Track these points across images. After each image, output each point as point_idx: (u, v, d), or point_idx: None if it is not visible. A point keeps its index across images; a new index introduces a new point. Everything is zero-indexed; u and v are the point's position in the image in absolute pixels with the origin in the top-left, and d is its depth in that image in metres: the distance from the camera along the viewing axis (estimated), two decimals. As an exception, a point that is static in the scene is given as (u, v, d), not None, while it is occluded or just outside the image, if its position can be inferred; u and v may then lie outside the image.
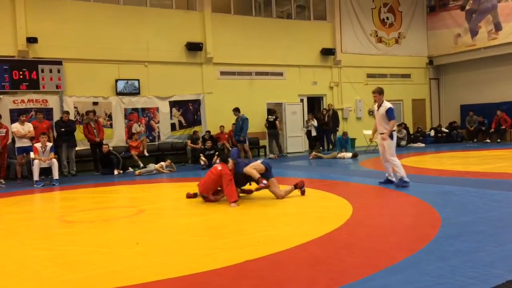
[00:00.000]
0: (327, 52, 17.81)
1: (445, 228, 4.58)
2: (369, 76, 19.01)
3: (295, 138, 16.97)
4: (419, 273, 3.33)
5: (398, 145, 17.62)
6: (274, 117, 15.13)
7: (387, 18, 19.61)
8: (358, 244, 4.19)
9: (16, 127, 11.06)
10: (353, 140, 16.79)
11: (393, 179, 7.76)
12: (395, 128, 7.68)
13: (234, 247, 4.27)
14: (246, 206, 6.82)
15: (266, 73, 16.81)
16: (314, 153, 14.47)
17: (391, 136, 7.57)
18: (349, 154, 13.93)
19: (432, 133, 19.28)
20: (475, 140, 18.22)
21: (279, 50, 16.78)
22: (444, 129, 19.28)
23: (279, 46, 16.78)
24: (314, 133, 16.32)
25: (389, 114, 7.48)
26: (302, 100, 17.71)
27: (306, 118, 16.83)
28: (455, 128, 19.15)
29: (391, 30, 19.71)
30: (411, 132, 19.20)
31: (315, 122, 16.28)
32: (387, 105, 7.60)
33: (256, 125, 15.69)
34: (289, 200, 7.09)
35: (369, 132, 16.76)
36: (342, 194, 6.92)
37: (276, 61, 16.81)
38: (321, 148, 16.62)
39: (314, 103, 18.42)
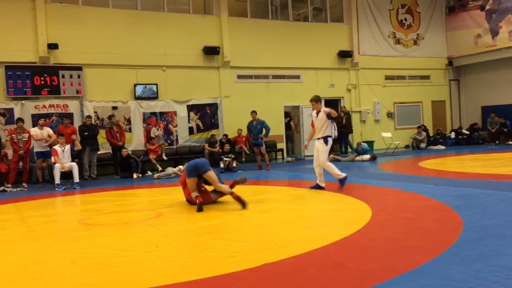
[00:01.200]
0: (344, 55, 17.72)
1: (467, 232, 4.50)
2: (388, 78, 18.85)
3: (312, 141, 16.84)
4: (441, 277, 3.28)
5: (418, 147, 17.62)
6: (287, 118, 15.24)
7: (405, 19, 19.43)
8: (378, 248, 4.15)
9: (34, 131, 11.27)
10: (371, 142, 16.68)
11: (323, 184, 8.01)
12: (331, 134, 8.07)
13: (253, 250, 4.27)
14: (262, 210, 6.82)
15: (283, 76, 16.81)
16: (331, 156, 14.38)
17: (326, 142, 7.94)
18: (367, 157, 13.81)
19: (453, 135, 19.01)
20: (497, 142, 17.88)
21: (296, 53, 16.77)
22: (465, 131, 18.98)
23: (296, 49, 16.76)
24: (335, 135, 16.21)
25: (328, 116, 7.90)
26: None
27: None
28: (476, 130, 18.82)
29: (409, 31, 19.52)
30: (431, 134, 18.95)
31: (333, 125, 16.19)
32: (325, 110, 7.97)
33: (273, 128, 15.66)
34: (307, 203, 7.08)
35: (388, 134, 16.65)
36: (361, 197, 6.86)
37: (293, 64, 16.80)
38: (338, 151, 16.51)
39: (331, 106, 18.30)
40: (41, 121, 11.40)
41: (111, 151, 13.10)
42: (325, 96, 17.70)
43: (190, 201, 6.88)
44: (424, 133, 18.05)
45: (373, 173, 10.86)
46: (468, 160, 12.92)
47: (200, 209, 6.41)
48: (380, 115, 18.64)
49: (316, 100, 8.09)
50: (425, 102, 19.82)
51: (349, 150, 16.58)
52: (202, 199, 6.65)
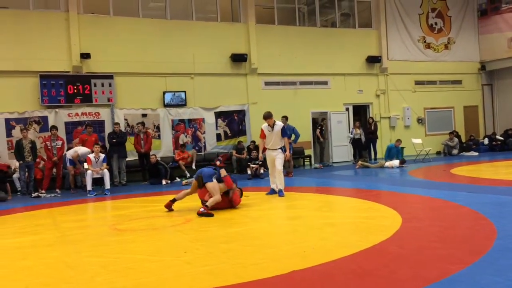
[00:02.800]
0: (373, 60, 17.53)
1: (501, 240, 4.36)
2: (418, 83, 18.53)
3: (340, 148, 16.77)
4: (474, 286, 3.19)
5: (450, 154, 17.22)
6: (320, 127, 15.31)
7: (436, 23, 19.08)
8: (409, 256, 4.07)
9: (70, 154, 11.48)
10: (402, 149, 16.37)
11: (277, 189, 8.60)
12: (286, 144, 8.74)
13: (281, 257, 4.25)
14: (290, 217, 6.81)
15: (311, 82, 16.75)
16: (360, 162, 14.22)
17: (284, 151, 8.66)
18: (397, 163, 13.57)
19: (486, 141, 18.48)
20: (532, 148, 17.30)
21: (324, 59, 16.70)
22: (499, 137, 18.43)
23: (323, 55, 16.70)
24: (363, 141, 16.04)
25: (283, 132, 8.66)
26: (347, 109, 17.49)
27: (352, 126, 16.61)
28: (510, 135, 18.25)
29: (440, 35, 19.16)
30: (463, 140, 18.49)
31: (361, 131, 16.03)
32: (280, 124, 8.78)
33: (301, 134, 15.62)
34: (335, 210, 7.01)
35: (418, 141, 16.35)
36: (391, 205, 6.74)
37: (320, 70, 16.73)
38: (366, 157, 16.30)
39: (360, 112, 18.15)
40: (96, 148, 11.20)
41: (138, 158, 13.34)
42: (353, 102, 17.62)
43: (204, 202, 6.95)
44: (456, 139, 17.63)
45: (403, 180, 10.66)
46: (502, 167, 12.53)
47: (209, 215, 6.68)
48: (410, 121, 18.32)
49: (268, 116, 8.65)
50: (457, 108, 19.36)
51: (379, 157, 16.35)
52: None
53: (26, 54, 12.86)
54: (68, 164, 11.37)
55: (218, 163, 7.41)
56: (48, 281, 3.90)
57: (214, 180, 7.11)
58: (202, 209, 6.72)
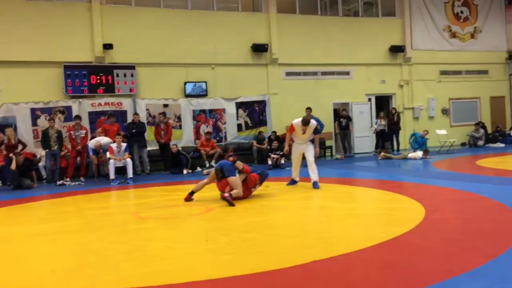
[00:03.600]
0: (397, 49, 17.22)
1: (529, 234, 4.26)
2: (443, 73, 18.14)
3: (362, 139, 16.58)
4: (500, 280, 3.13)
5: (475, 145, 16.88)
6: (343, 119, 15.19)
7: (462, 12, 18.59)
8: (432, 248, 4.01)
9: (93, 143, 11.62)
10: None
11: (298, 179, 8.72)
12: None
13: (302, 247, 4.24)
14: (311, 207, 6.79)
15: (332, 73, 16.58)
16: (383, 153, 14.05)
17: (313, 143, 8.70)
18: (420, 154, 13.36)
19: (513, 132, 18.03)
20: (561, 139, 16.80)
21: (346, 49, 16.49)
22: (526, 128, 17.96)
23: (345, 44, 16.49)
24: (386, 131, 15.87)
25: (316, 131, 8.70)
26: (370, 100, 17.27)
27: (376, 117, 16.41)
28: (538, 127, 17.77)
29: (466, 24, 18.67)
30: (489, 131, 18.07)
31: (384, 121, 15.83)
32: (314, 123, 8.58)
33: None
34: (356, 201, 6.96)
35: (443, 132, 16.07)
36: (414, 196, 6.64)
37: (342, 60, 16.53)
38: (389, 148, 16.09)
39: (382, 102, 17.90)
40: (118, 138, 11.27)
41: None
42: (376, 92, 17.39)
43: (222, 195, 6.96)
44: (482, 130, 17.24)
45: (427, 172, 10.50)
46: (530, 159, 12.21)
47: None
48: (434, 111, 17.98)
49: (307, 123, 8.41)
50: (483, 98, 18.89)
51: (401, 148, 16.13)
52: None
53: (50, 45, 13.06)
54: (91, 153, 11.55)
55: (231, 159, 7.33)
56: (73, 266, 3.99)
57: (237, 175, 7.13)
58: (227, 194, 6.75)
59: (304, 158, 8.53)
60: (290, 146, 8.83)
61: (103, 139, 11.61)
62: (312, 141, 8.62)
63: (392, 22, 17.51)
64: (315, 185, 8.15)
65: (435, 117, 18.00)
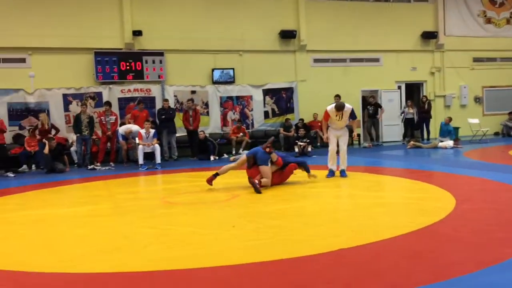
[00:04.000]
0: (429, 36, 16.77)
1: None
2: (476, 60, 17.57)
3: (391, 127, 16.32)
4: (535, 273, 3.04)
5: (509, 134, 16.37)
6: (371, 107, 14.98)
7: (498, -3, 17.93)
8: (462, 239, 3.93)
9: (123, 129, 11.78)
10: (457, 129, 15.74)
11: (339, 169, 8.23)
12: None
13: (329, 235, 4.23)
14: (338, 195, 6.74)
15: (361, 59, 16.31)
16: (412, 142, 13.79)
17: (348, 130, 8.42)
18: (451, 143, 13.05)
19: (549, 121, 17.38)
20: None
21: (376, 35, 16.16)
22: None
23: (375, 30, 16.16)
24: (416, 120, 15.50)
25: (352, 115, 8.13)
26: (399, 87, 16.93)
27: (404, 105, 16.08)
28: None
29: (501, 9, 17.97)
30: (524, 121, 17.48)
31: (413, 110, 15.50)
32: (349, 107, 8.10)
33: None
34: (384, 190, 6.88)
35: (475, 120, 15.65)
36: (444, 186, 6.51)
37: (372, 46, 16.22)
38: (419, 137, 15.78)
39: (413, 90, 17.52)
40: (146, 124, 11.40)
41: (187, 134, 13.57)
42: (406, 79, 17.03)
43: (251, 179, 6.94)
44: (517, 119, 16.72)
45: (458, 161, 10.26)
46: None
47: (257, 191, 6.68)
48: (466, 100, 17.49)
49: (341, 108, 8.04)
50: (519, 86, 18.26)
51: (431, 137, 15.79)
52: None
53: (81, 31, 13.29)
54: (120, 139, 11.76)
55: (267, 149, 7.27)
56: (104, 248, 4.09)
57: (269, 165, 7.12)
58: (256, 181, 6.77)
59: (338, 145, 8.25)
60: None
61: (133, 127, 11.79)
62: (348, 126, 8.35)
63: (424, 7, 17.03)
64: (343, 173, 8.04)
65: (467, 105, 17.52)
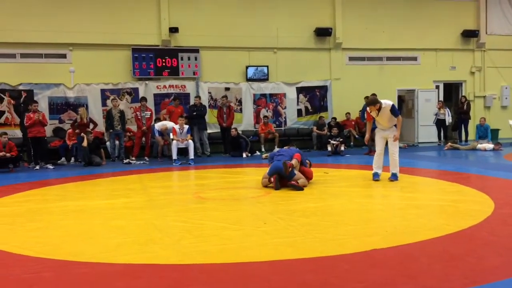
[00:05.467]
0: (469, 34, 16.29)
1: None
2: (519, 59, 16.97)
3: (427, 128, 15.94)
4: None
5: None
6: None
7: (544, -6, 17.19)
8: (501, 243, 3.81)
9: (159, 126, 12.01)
10: (497, 131, 15.25)
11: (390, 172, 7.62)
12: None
13: (361, 235, 4.18)
14: (371, 195, 6.65)
15: (398, 58, 16.01)
16: (449, 143, 13.44)
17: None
18: (491, 146, 12.64)
19: None
20: None
21: (414, 33, 15.83)
22: None
23: (413, 28, 15.83)
24: (448, 121, 15.00)
25: (394, 111, 7.39)
26: (437, 87, 16.51)
27: (436, 105, 15.65)
28: None
29: (547, 7, 17.24)
30: None
31: (445, 111, 15.02)
32: (389, 103, 7.43)
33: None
34: (419, 191, 6.74)
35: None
36: (482, 189, 6.32)
37: (410, 44, 15.90)
38: (457, 138, 15.35)
39: (451, 90, 17.06)
40: (180, 120, 11.54)
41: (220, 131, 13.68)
42: (445, 79, 16.61)
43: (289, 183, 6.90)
44: None
45: (497, 164, 9.93)
46: None
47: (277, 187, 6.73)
48: (508, 101, 16.90)
49: (370, 104, 7.47)
50: None
51: (469, 138, 15.33)
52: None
53: (120, 28, 13.62)
54: (156, 134, 11.96)
55: (290, 167, 6.84)
56: (139, 240, 4.19)
57: (296, 172, 6.98)
58: (294, 182, 6.78)
59: (387, 145, 7.65)
60: (371, 135, 7.98)
61: (168, 123, 11.98)
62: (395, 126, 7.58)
63: (465, 5, 16.55)
64: (392, 177, 7.45)
65: (508, 106, 16.93)
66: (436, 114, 15.20)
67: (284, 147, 8.17)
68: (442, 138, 15.07)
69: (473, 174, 8.21)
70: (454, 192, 6.36)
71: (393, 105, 7.44)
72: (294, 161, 7.01)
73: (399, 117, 7.46)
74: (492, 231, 4.18)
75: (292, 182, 6.78)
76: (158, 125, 12.02)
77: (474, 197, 5.88)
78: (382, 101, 7.44)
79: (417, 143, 15.39)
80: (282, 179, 6.89)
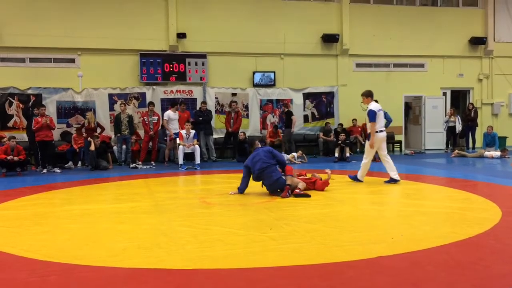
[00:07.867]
0: (477, 41, 16.25)
1: None
2: (527, 67, 16.89)
3: (434, 134, 15.88)
4: None
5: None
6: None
7: (552, 1, 17.12)
8: (508, 251, 3.78)
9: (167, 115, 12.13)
10: (504, 138, 15.15)
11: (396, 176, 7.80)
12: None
13: (367, 242, 4.16)
14: (377, 202, 6.62)
15: (406, 65, 15.99)
16: (457, 151, 13.37)
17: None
18: (498, 153, 12.56)
19: None
20: None
21: (421, 40, 15.82)
22: None
23: (421, 35, 15.82)
24: (458, 129, 14.95)
25: (369, 116, 7.73)
26: (444, 94, 16.46)
27: (447, 113, 15.59)
28: None
29: (556, 14, 17.17)
30: None
31: (456, 118, 14.99)
32: (376, 106, 7.81)
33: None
34: (426, 198, 6.70)
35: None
36: (489, 197, 6.28)
37: (417, 51, 15.89)
38: (463, 146, 15.27)
39: (459, 97, 16.99)
40: (187, 126, 11.56)
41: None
42: (452, 86, 16.55)
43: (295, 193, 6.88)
44: None
45: (505, 172, 9.86)
46: None
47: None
48: (516, 108, 16.82)
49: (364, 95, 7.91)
50: None
51: (477, 146, 15.25)
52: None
53: (128, 33, 13.73)
54: (175, 137, 11.83)
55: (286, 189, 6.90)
56: (144, 245, 4.20)
57: (288, 180, 6.97)
58: (297, 190, 6.77)
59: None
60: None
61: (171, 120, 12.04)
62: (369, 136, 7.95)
63: (473, 12, 16.53)
64: (390, 181, 7.79)
65: (516, 114, 16.84)
66: (446, 122, 15.16)
67: (256, 147, 7.88)
68: (450, 146, 14.99)
69: (480, 181, 8.17)
70: (461, 200, 6.32)
71: (370, 110, 7.80)
72: (289, 181, 6.97)
73: (371, 123, 7.77)
74: (500, 239, 4.15)
75: (296, 191, 6.76)
76: (166, 114, 12.05)
77: (481, 204, 5.84)
78: (370, 104, 7.88)
79: (424, 150, 15.32)
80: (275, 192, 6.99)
